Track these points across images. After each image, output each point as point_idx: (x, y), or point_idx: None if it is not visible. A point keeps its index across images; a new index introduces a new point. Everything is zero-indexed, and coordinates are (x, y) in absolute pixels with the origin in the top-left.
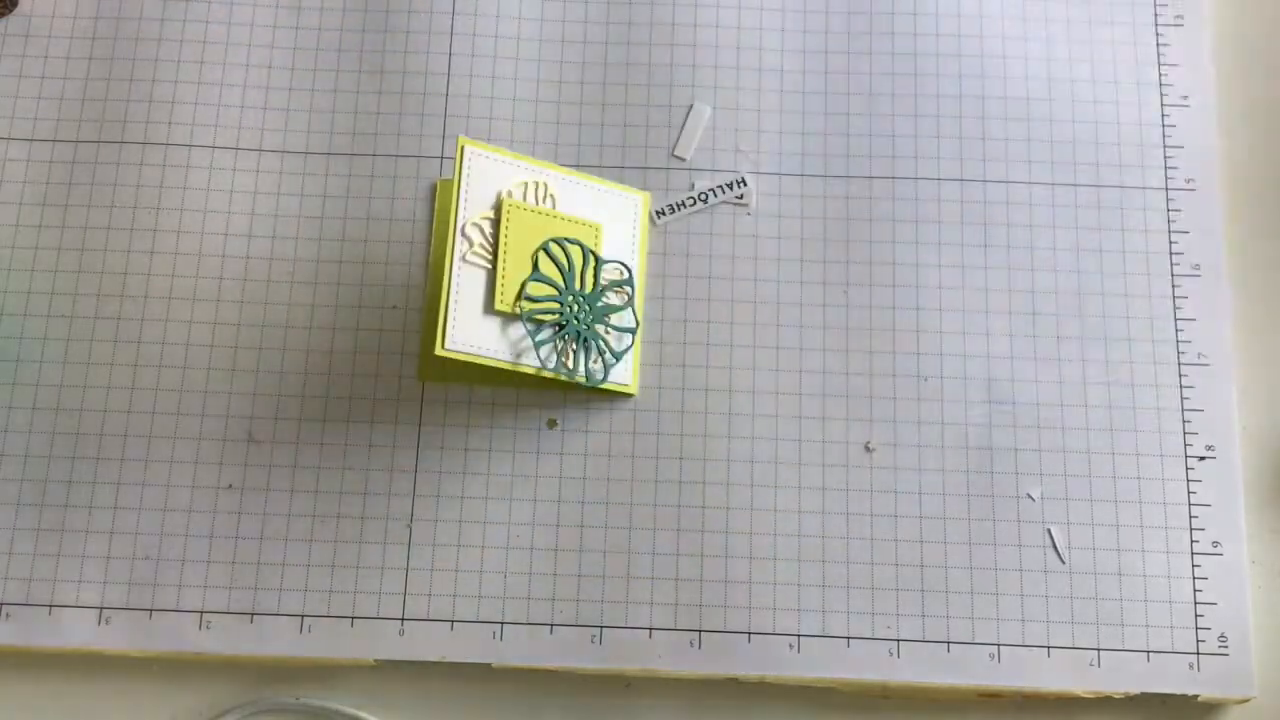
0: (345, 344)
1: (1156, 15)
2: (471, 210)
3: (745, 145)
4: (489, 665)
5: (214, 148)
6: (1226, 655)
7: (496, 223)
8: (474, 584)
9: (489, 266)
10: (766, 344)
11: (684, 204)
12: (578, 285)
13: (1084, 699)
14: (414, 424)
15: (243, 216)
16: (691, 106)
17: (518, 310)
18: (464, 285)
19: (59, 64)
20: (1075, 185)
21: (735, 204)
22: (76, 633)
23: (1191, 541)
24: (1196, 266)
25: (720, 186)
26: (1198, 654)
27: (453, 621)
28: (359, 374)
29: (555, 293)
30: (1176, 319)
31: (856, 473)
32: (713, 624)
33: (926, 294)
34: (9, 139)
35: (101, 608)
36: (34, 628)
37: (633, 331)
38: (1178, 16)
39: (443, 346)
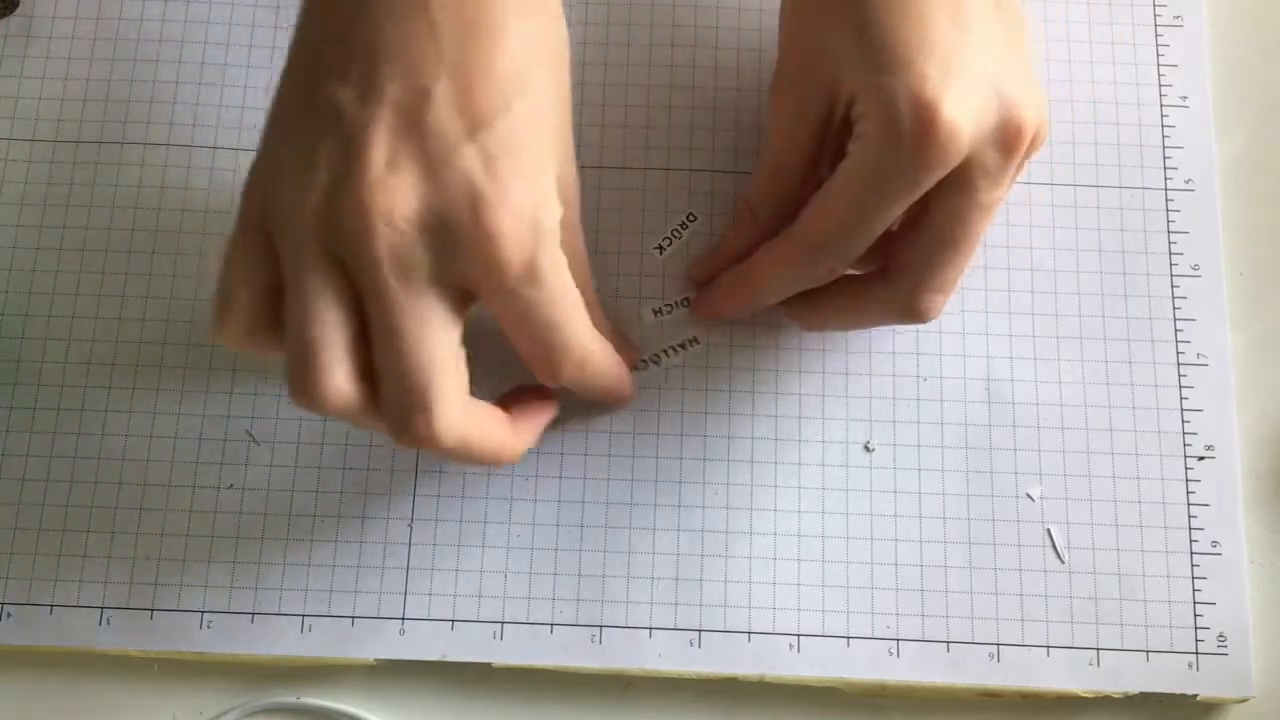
0: None
1: (1156, 16)
2: None
3: (745, 145)
4: (489, 665)
5: (215, 148)
6: (1226, 655)
7: None
8: (474, 584)
9: None
10: (766, 344)
11: None
12: None
13: (1083, 698)
14: None
15: None
16: (692, 107)
17: None
18: None
19: (59, 64)
20: (1075, 185)
21: None
22: (77, 632)
23: (1190, 541)
24: (1196, 266)
25: None
26: (1197, 654)
27: (453, 621)
28: None
29: None
30: (1176, 319)
31: (856, 473)
32: (713, 624)
33: None
34: (9, 139)
35: (102, 607)
36: (34, 627)
37: None
38: (1177, 17)
39: None
